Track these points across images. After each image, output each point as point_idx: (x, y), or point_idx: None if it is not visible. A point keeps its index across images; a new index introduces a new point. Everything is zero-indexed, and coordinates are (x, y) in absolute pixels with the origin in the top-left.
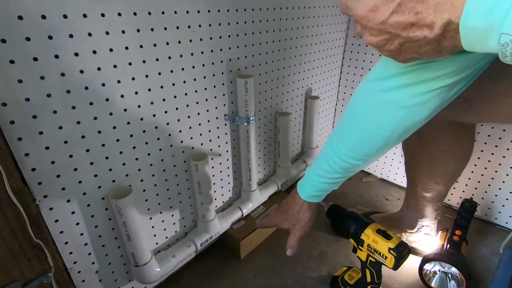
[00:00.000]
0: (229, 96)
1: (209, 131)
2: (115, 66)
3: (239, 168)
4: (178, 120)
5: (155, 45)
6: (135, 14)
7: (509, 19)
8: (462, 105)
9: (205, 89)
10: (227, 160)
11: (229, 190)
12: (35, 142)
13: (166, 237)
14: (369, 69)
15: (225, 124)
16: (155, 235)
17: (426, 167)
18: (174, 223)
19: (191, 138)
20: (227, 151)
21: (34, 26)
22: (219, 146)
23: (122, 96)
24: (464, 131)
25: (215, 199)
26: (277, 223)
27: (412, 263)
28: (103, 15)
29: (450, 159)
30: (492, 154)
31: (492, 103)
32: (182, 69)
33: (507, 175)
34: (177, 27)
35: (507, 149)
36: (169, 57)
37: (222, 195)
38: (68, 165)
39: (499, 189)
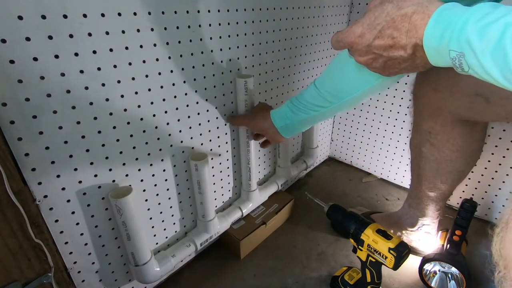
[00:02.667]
0: (229, 96)
1: (209, 131)
2: (115, 66)
3: (239, 168)
4: (178, 120)
5: (155, 45)
6: (135, 14)
7: (454, 39)
8: (480, 104)
9: (205, 89)
10: (227, 160)
11: (229, 190)
12: (35, 142)
13: (166, 237)
14: None
15: (225, 124)
16: (155, 235)
17: (434, 166)
18: (174, 223)
19: (191, 138)
20: (227, 151)
21: (34, 26)
22: (219, 146)
23: (122, 96)
24: (476, 132)
25: (215, 199)
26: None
27: (412, 263)
28: (103, 15)
29: (460, 159)
30: (492, 154)
31: (510, 100)
32: (182, 69)
33: (507, 175)
34: (177, 27)
35: (507, 149)
36: (169, 57)
37: (222, 195)
38: (68, 165)
39: (499, 189)
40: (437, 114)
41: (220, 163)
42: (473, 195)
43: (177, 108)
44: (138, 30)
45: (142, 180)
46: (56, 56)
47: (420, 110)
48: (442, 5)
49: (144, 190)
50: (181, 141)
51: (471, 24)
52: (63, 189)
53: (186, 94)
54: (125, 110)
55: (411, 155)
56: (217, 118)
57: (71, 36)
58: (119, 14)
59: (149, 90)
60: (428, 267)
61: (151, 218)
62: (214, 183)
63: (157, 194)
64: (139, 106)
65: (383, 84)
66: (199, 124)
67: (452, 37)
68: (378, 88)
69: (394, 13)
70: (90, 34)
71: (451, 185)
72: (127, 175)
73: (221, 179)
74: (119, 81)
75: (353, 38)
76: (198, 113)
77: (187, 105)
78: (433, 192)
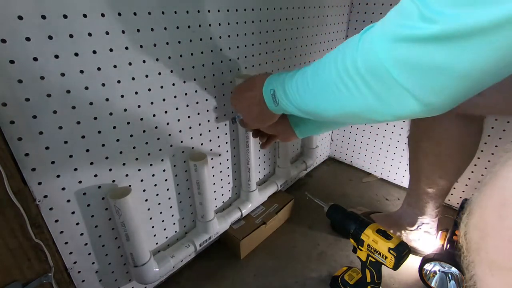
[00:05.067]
0: (229, 96)
1: (209, 131)
2: (115, 66)
3: (238, 168)
4: (178, 120)
5: (155, 45)
6: (135, 14)
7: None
8: (474, 97)
9: (205, 89)
10: (227, 160)
11: (229, 190)
12: (35, 142)
13: (166, 237)
14: None
15: (225, 124)
16: (155, 235)
17: (432, 160)
18: (174, 223)
19: (191, 138)
20: (227, 151)
21: (34, 26)
22: (219, 146)
23: (122, 96)
24: (473, 126)
25: (215, 199)
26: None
27: (412, 263)
28: (103, 15)
29: (458, 153)
30: (492, 154)
31: (504, 93)
32: (182, 69)
33: None
34: (177, 27)
35: (507, 146)
36: (169, 57)
37: (222, 195)
38: (68, 165)
39: None
40: None
41: (220, 163)
42: (473, 195)
43: (177, 108)
44: (138, 30)
45: (142, 180)
46: (56, 56)
47: None
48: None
49: (144, 190)
50: (181, 141)
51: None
52: (63, 189)
53: (186, 94)
54: (125, 110)
55: (409, 152)
56: (217, 118)
57: (71, 36)
58: (119, 14)
59: (149, 90)
60: (428, 267)
61: (151, 218)
62: (214, 183)
63: (157, 194)
64: (139, 106)
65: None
66: (199, 124)
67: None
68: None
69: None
70: (90, 34)
71: (449, 181)
72: (127, 175)
73: (221, 179)
74: (119, 81)
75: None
76: (198, 113)
77: (187, 105)
78: (431, 188)
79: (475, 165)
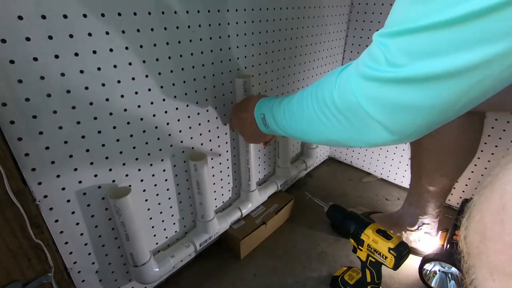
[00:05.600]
0: (229, 96)
1: (209, 131)
2: (115, 66)
3: (238, 168)
4: (178, 120)
5: (155, 45)
6: (135, 14)
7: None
8: None
9: (205, 89)
10: (227, 160)
11: (229, 190)
12: (35, 142)
13: (166, 237)
14: None
15: (225, 124)
16: (155, 235)
17: (433, 158)
18: (174, 223)
19: (191, 138)
20: (226, 151)
21: (34, 26)
22: (219, 146)
23: (122, 96)
24: (474, 123)
25: (215, 199)
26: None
27: (412, 263)
28: (103, 15)
29: (459, 150)
30: (492, 154)
31: (503, 89)
32: (182, 69)
33: None
34: (177, 27)
35: (507, 149)
36: (169, 57)
37: (222, 195)
38: (68, 165)
39: None
40: None
41: (220, 163)
42: (473, 195)
43: (177, 108)
44: (138, 30)
45: (142, 180)
46: (56, 56)
47: None
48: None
49: (144, 190)
50: (181, 141)
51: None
52: (63, 189)
53: (186, 94)
54: (125, 110)
55: (411, 150)
56: (217, 118)
57: (71, 36)
58: (119, 14)
59: (149, 90)
60: (428, 267)
61: (151, 218)
62: (214, 183)
63: (157, 194)
64: (139, 106)
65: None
66: (199, 124)
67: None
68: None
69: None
70: (90, 34)
71: (450, 178)
72: (127, 175)
73: (221, 179)
74: (119, 81)
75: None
76: (198, 113)
77: (187, 105)
78: (433, 186)
79: (475, 165)
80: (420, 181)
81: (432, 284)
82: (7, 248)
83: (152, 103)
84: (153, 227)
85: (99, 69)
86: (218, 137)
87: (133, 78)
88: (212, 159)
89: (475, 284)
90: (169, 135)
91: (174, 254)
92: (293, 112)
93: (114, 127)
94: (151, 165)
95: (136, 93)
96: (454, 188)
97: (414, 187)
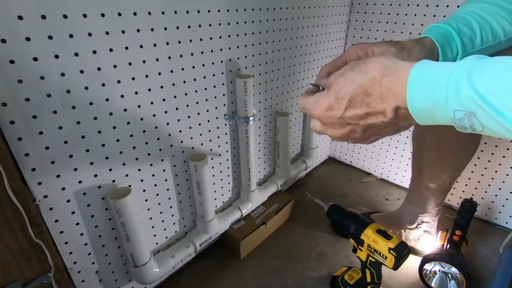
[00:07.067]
0: (229, 96)
1: (209, 131)
2: (115, 66)
3: (238, 168)
4: (178, 120)
5: (155, 45)
6: (135, 14)
7: (451, 98)
8: None
9: (205, 89)
10: (227, 160)
11: (229, 190)
12: (35, 142)
13: (166, 237)
14: None
15: (225, 124)
16: (155, 235)
17: (434, 154)
18: (174, 223)
19: (191, 138)
20: (227, 151)
21: (34, 26)
22: (219, 146)
23: (122, 96)
24: None
25: (215, 199)
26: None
27: (412, 263)
28: (103, 15)
29: (459, 146)
30: (492, 154)
31: None
32: (182, 69)
33: (507, 175)
34: (177, 27)
35: (507, 149)
36: (169, 57)
37: (222, 195)
38: (68, 165)
39: (499, 189)
40: None
41: (220, 163)
42: (473, 195)
43: (177, 108)
44: (138, 30)
45: (142, 180)
46: (56, 56)
47: None
48: (415, 64)
49: (144, 190)
50: (181, 141)
51: (475, 78)
52: (63, 189)
53: (186, 94)
54: (125, 110)
55: (413, 147)
56: (217, 118)
57: (71, 36)
58: (119, 14)
59: (149, 90)
60: (428, 267)
61: (151, 218)
62: (214, 183)
63: (157, 194)
64: (139, 106)
65: None
66: (199, 124)
67: (448, 95)
68: None
69: (360, 79)
70: (90, 34)
71: (450, 176)
72: (127, 175)
73: (221, 179)
74: (119, 81)
75: (320, 112)
76: (198, 113)
77: (187, 105)
78: (433, 183)
79: (475, 165)
80: (421, 178)
81: (432, 284)
82: (7, 248)
83: (152, 103)
84: (153, 227)
85: (99, 69)
86: (218, 137)
87: (133, 78)
88: (212, 159)
89: None
90: (169, 135)
91: (174, 254)
92: None
93: (114, 127)
94: (151, 165)
95: (136, 93)
96: (454, 188)
97: (415, 184)
